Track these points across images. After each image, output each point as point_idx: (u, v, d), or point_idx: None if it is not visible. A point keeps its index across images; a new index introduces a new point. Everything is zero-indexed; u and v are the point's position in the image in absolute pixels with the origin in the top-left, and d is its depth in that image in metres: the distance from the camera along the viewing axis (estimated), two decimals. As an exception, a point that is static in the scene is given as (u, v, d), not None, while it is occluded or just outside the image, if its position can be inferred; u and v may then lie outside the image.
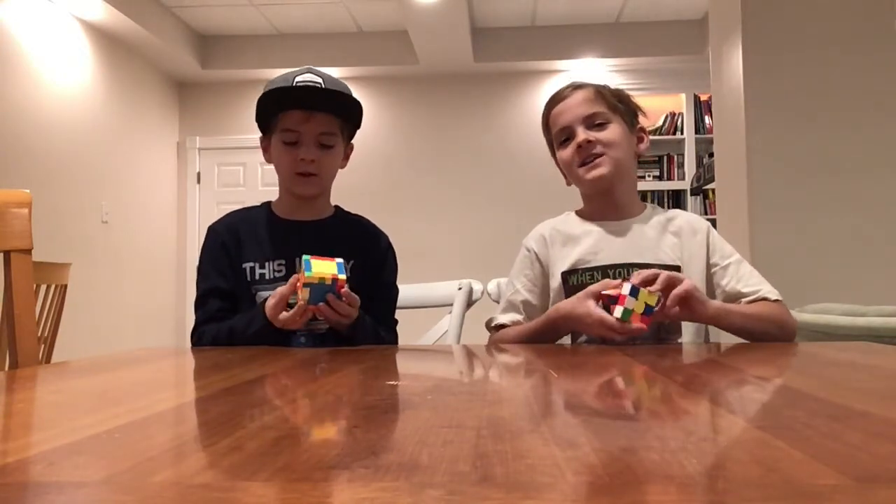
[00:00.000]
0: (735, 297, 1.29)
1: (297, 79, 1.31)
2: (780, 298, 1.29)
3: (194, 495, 0.36)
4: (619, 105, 1.36)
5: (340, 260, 1.18)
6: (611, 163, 1.32)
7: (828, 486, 0.36)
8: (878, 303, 1.87)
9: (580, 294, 1.19)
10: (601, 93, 1.35)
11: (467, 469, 0.39)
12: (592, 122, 1.33)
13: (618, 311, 1.12)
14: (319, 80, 1.32)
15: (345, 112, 1.36)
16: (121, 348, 4.36)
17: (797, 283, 2.73)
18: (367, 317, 1.28)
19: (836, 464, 0.40)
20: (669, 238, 1.35)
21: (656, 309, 1.12)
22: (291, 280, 1.20)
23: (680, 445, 0.46)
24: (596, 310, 1.15)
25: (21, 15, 4.01)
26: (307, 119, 1.31)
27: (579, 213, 1.44)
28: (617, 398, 0.72)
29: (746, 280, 1.30)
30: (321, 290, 1.15)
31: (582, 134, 1.32)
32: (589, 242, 1.35)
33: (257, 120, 1.38)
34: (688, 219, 1.40)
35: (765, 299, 1.27)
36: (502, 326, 1.37)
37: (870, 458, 0.42)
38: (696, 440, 0.50)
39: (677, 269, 1.29)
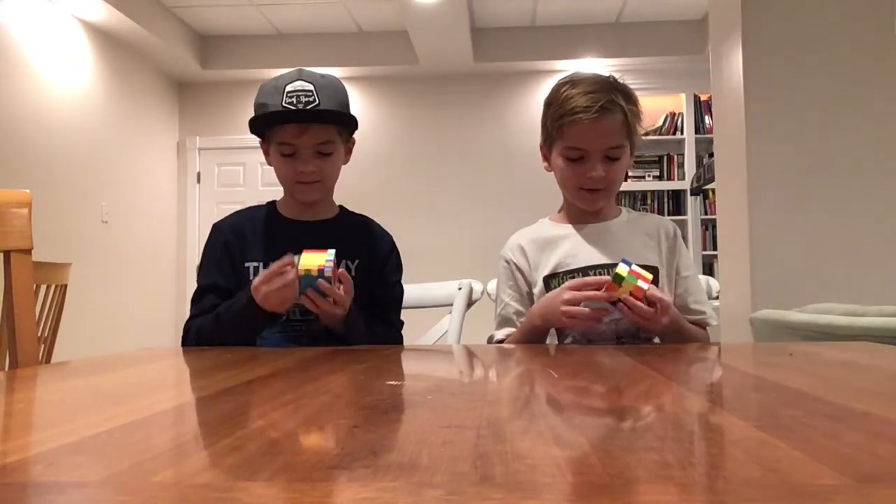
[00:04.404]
0: (682, 307, 1.36)
1: (288, 87, 1.27)
2: (714, 324, 1.40)
3: (194, 495, 0.36)
4: (635, 130, 1.33)
5: (332, 253, 1.18)
6: (609, 196, 1.37)
7: (828, 486, 0.36)
8: (878, 303, 1.86)
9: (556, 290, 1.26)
10: (627, 120, 1.30)
11: (467, 469, 0.39)
12: (609, 155, 1.30)
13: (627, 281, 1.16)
14: (311, 86, 1.28)
15: (340, 120, 1.33)
16: (121, 348, 4.35)
17: (797, 283, 2.73)
18: (360, 315, 1.26)
19: (836, 464, 0.40)
20: (646, 240, 1.38)
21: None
22: (284, 261, 1.18)
23: (680, 445, 0.46)
24: (559, 291, 1.22)
25: (21, 15, 4.01)
26: (302, 132, 1.29)
27: (554, 218, 1.45)
28: (616, 398, 0.71)
29: (696, 296, 1.39)
30: (307, 281, 1.16)
31: (599, 169, 1.29)
32: (568, 245, 1.36)
33: (252, 130, 1.36)
34: (663, 223, 1.43)
35: (703, 323, 1.38)
36: (501, 342, 1.37)
37: (870, 458, 0.42)
38: (696, 440, 0.50)
39: (655, 270, 1.31)
